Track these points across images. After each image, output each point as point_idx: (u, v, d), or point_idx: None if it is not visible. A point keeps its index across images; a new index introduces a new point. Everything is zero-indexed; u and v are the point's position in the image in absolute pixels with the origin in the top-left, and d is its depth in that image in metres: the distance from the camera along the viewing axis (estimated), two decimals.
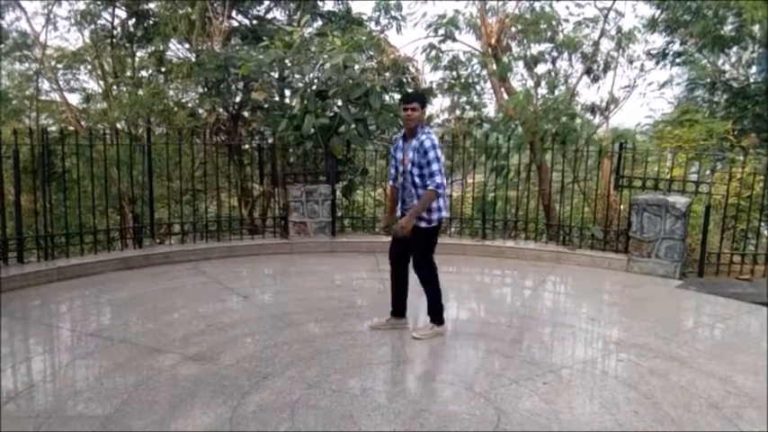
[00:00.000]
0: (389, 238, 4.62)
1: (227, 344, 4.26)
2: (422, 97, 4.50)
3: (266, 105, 8.54)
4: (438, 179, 4.18)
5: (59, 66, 10.06)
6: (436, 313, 4.49)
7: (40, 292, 5.46)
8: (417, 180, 4.26)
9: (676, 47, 11.10)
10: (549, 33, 9.12)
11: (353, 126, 7.30)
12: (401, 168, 4.36)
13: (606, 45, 9.41)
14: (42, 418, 3.16)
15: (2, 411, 3.20)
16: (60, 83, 10.07)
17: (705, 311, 5.52)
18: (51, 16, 9.64)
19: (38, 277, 5.70)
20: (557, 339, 4.65)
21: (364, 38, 8.11)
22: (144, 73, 9.83)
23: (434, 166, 4.18)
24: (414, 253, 4.43)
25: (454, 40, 8.86)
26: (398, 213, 4.47)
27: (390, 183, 4.66)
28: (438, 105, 10.49)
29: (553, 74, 9.57)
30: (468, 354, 4.26)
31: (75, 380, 3.67)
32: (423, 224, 4.31)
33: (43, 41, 9.66)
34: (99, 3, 9.40)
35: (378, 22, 9.26)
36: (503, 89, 9.12)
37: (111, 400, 3.37)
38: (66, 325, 4.74)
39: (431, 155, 4.17)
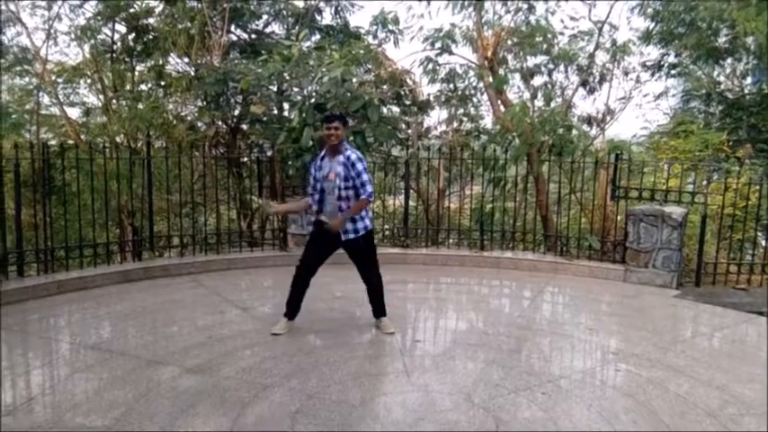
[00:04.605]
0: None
1: (226, 356, 4.27)
2: (343, 117, 4.75)
3: (265, 118, 8.59)
4: (369, 188, 4.61)
5: (59, 80, 10.14)
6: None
7: (39, 305, 5.47)
8: (343, 192, 4.60)
9: (671, 59, 11.19)
10: (544, 46, 9.20)
11: (352, 138, 7.34)
12: (324, 184, 4.65)
13: (601, 57, 9.51)
14: (41, 430, 3.17)
15: (1, 424, 3.21)
16: (60, 97, 10.14)
17: (702, 321, 5.54)
18: (52, 31, 9.73)
19: (37, 291, 5.71)
20: (555, 349, 4.66)
21: (362, 51, 8.18)
22: (143, 87, 9.88)
23: (365, 177, 4.59)
24: (368, 262, 4.83)
25: (451, 53, 8.92)
26: (315, 219, 4.75)
27: (309, 200, 4.83)
28: (436, 117, 10.57)
29: (549, 86, 9.65)
30: (466, 364, 4.27)
31: (74, 393, 3.68)
32: (361, 232, 4.69)
33: (44, 56, 9.74)
34: (99, 18, 9.48)
35: (375, 36, 9.32)
36: (499, 101, 9.18)
37: (110, 412, 3.38)
38: (65, 338, 4.74)
39: (359, 166, 4.57)
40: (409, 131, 9.29)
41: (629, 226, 6.70)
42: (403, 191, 8.30)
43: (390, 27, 9.04)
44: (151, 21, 9.58)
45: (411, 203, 8.53)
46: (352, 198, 4.62)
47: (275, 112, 8.84)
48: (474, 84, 9.62)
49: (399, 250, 7.66)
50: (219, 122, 9.00)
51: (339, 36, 10.23)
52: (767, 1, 8.15)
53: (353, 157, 4.58)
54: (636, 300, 6.04)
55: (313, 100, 7.56)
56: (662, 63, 11.17)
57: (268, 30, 10.76)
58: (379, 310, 4.94)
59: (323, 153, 4.76)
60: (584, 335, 4.96)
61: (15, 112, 10.14)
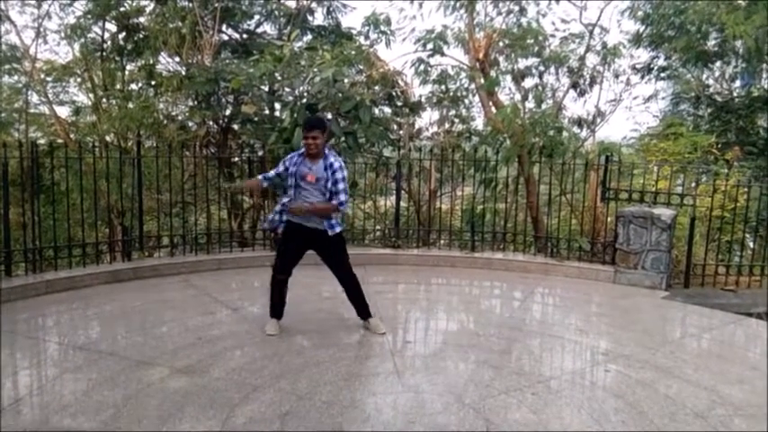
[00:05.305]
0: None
1: (216, 356, 4.25)
2: (323, 124, 4.65)
3: (256, 119, 8.56)
4: (342, 197, 4.53)
5: (49, 79, 10.03)
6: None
7: (27, 305, 5.42)
8: (321, 197, 4.55)
9: (661, 61, 11.27)
10: (535, 48, 9.22)
11: (343, 139, 7.34)
12: (301, 182, 4.58)
13: (592, 60, 9.54)
14: None
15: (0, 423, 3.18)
16: (50, 96, 10.02)
17: (691, 322, 5.58)
18: (41, 30, 9.64)
19: (26, 290, 5.66)
20: (545, 350, 4.68)
21: (354, 52, 8.16)
22: (134, 86, 9.81)
23: (341, 185, 4.51)
24: (342, 263, 4.81)
25: (443, 54, 8.91)
26: (286, 219, 4.75)
27: (260, 178, 4.88)
28: (427, 119, 10.57)
29: (540, 88, 9.67)
30: (457, 365, 4.28)
31: (62, 394, 3.65)
32: (337, 228, 4.66)
33: (33, 55, 9.64)
34: (89, 17, 9.40)
35: (367, 37, 9.30)
36: (491, 103, 9.19)
37: (99, 413, 3.35)
38: (53, 338, 4.71)
39: (338, 175, 4.51)
40: (401, 132, 9.28)
41: (619, 227, 6.74)
42: (394, 192, 8.30)
43: (382, 28, 9.03)
44: (142, 20, 9.51)
45: (402, 204, 8.53)
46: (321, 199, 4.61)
47: (266, 112, 8.80)
48: (465, 85, 9.62)
49: (390, 251, 7.66)
50: (210, 122, 8.95)
51: (331, 37, 10.21)
52: (760, 1, 8.23)
53: (336, 164, 4.53)
54: (625, 301, 6.07)
55: (304, 100, 7.54)
56: (652, 66, 11.25)
57: (260, 30, 10.73)
58: (362, 310, 4.92)
59: (299, 152, 4.66)
60: (573, 336, 4.98)
61: (4, 111, 10.04)
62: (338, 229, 4.65)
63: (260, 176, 4.92)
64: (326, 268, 4.92)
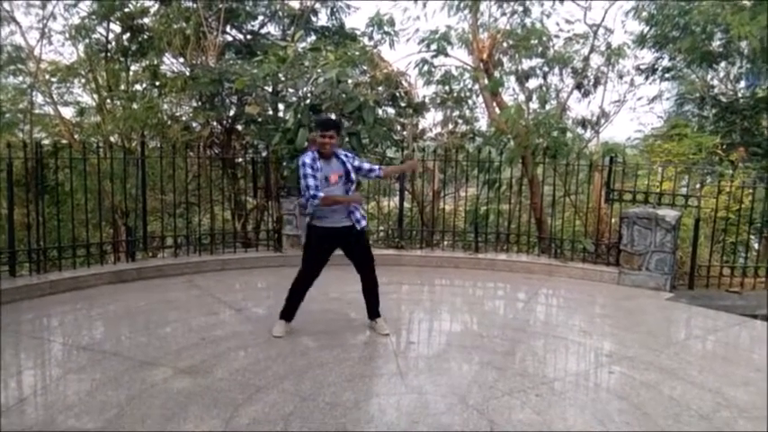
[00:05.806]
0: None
1: (220, 357, 4.26)
2: (339, 125, 4.91)
3: (260, 119, 8.58)
4: (376, 166, 5.00)
5: (53, 79, 10.06)
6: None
7: (31, 305, 5.44)
8: (352, 187, 4.80)
9: (665, 62, 11.23)
10: (539, 49, 9.21)
11: (347, 140, 7.34)
12: (327, 188, 4.61)
13: (596, 60, 9.52)
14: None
15: (0, 424, 3.19)
16: (54, 96, 10.06)
17: (695, 324, 5.56)
18: (46, 30, 9.68)
19: (30, 291, 5.68)
20: (549, 352, 4.67)
21: (357, 53, 8.17)
22: (138, 87, 9.84)
23: (366, 164, 4.97)
24: (368, 258, 4.85)
25: (446, 55, 8.91)
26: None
27: (321, 194, 4.65)
28: (431, 119, 10.58)
29: (544, 88, 9.65)
30: (461, 366, 4.27)
31: (66, 394, 3.66)
32: (363, 222, 4.81)
33: (37, 55, 9.68)
34: (94, 17, 9.44)
35: (371, 38, 9.31)
36: (495, 103, 9.18)
37: (103, 413, 3.36)
38: (57, 339, 4.72)
39: (357, 160, 4.91)
40: (404, 133, 9.28)
41: (623, 229, 6.71)
42: (398, 192, 8.30)
43: (386, 29, 9.04)
44: (146, 20, 9.55)
45: (406, 205, 8.52)
46: (351, 192, 4.79)
47: (270, 112, 8.82)
48: (469, 86, 9.62)
49: (394, 252, 7.65)
50: (214, 123, 8.97)
51: (335, 37, 10.22)
52: (765, 2, 8.20)
53: (350, 154, 4.85)
54: (629, 302, 6.05)
55: (308, 101, 7.55)
56: (656, 66, 11.20)
57: (263, 30, 10.76)
58: (373, 310, 4.94)
59: (314, 155, 4.60)
60: (577, 337, 4.97)
61: (8, 112, 10.08)
62: (364, 223, 4.79)
63: (321, 194, 4.59)
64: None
